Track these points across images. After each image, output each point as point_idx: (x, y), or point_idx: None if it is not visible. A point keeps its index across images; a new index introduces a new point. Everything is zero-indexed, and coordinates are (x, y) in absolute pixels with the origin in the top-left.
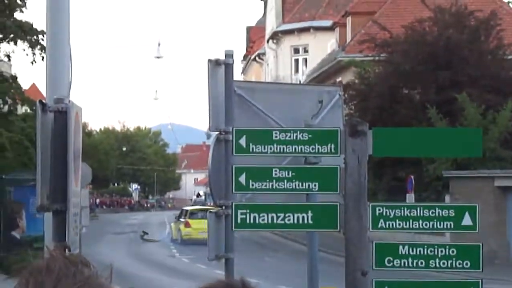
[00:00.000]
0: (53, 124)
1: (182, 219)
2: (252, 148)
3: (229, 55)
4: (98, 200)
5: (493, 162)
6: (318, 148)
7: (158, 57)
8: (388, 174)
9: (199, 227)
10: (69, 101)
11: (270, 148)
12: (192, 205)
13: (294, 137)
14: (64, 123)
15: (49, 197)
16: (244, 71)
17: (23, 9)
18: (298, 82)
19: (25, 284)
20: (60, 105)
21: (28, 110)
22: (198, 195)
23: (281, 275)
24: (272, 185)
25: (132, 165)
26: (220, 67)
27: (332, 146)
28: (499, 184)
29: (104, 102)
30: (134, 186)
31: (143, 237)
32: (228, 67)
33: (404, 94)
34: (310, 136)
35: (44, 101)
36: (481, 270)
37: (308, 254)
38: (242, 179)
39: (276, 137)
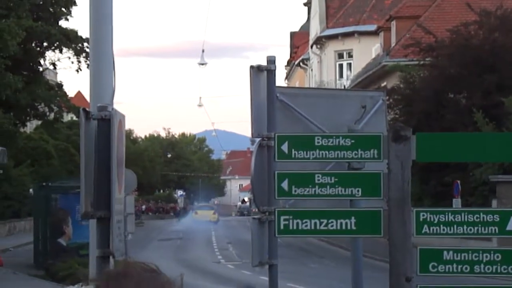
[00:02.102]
0: (97, 131)
1: (194, 210)
2: (294, 154)
3: (271, 61)
4: (144, 207)
5: None
6: (361, 154)
7: (202, 64)
8: (435, 179)
9: (203, 214)
10: (113, 108)
11: (313, 154)
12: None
13: (337, 143)
14: (107, 131)
15: (93, 204)
16: (288, 76)
17: (68, 17)
18: (343, 87)
19: None
20: (104, 112)
21: (74, 118)
22: (243, 201)
23: (326, 281)
24: (315, 191)
25: (177, 172)
26: (262, 73)
27: (375, 151)
28: None
29: (149, 109)
30: (180, 192)
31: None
32: (270, 73)
33: (449, 98)
34: (352, 141)
35: (87, 108)
36: None
37: (352, 260)
38: (285, 185)
39: (318, 142)
